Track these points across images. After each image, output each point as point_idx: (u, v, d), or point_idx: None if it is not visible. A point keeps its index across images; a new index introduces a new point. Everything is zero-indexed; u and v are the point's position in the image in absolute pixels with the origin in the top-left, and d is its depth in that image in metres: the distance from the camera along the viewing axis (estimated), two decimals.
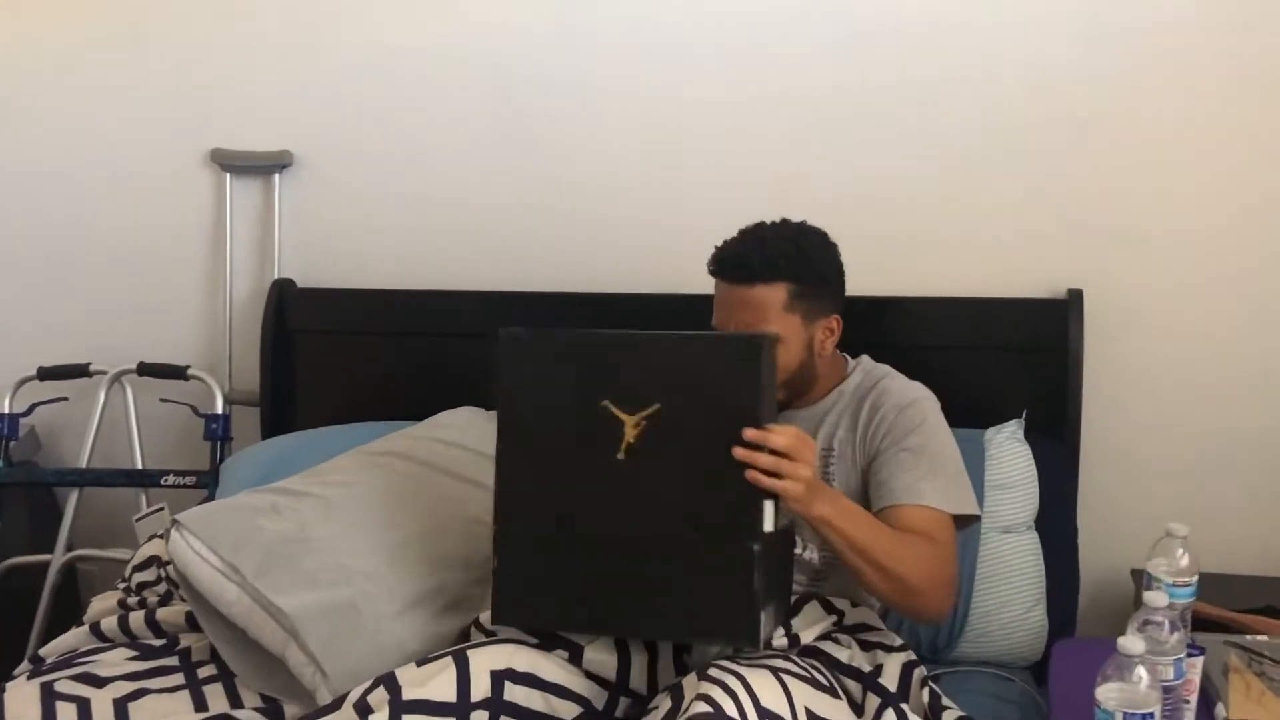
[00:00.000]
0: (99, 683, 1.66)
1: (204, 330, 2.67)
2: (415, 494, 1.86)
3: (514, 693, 1.45)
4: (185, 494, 2.52)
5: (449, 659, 1.48)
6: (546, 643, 1.51)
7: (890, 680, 1.61)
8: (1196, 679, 1.48)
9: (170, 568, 1.92)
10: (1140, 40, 2.16)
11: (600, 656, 1.51)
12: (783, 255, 1.74)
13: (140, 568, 2.04)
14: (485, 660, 1.48)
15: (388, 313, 2.50)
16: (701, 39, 2.34)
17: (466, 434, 2.05)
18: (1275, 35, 2.11)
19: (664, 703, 1.45)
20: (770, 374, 1.49)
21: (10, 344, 2.68)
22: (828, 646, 1.65)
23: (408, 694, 1.43)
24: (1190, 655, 1.49)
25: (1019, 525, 2.02)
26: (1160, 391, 2.22)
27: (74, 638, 1.85)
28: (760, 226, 1.80)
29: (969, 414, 1.99)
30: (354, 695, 1.47)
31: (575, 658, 1.51)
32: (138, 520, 2.50)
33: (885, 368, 1.88)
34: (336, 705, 1.47)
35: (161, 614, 1.86)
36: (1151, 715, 1.28)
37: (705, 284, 1.83)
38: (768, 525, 1.47)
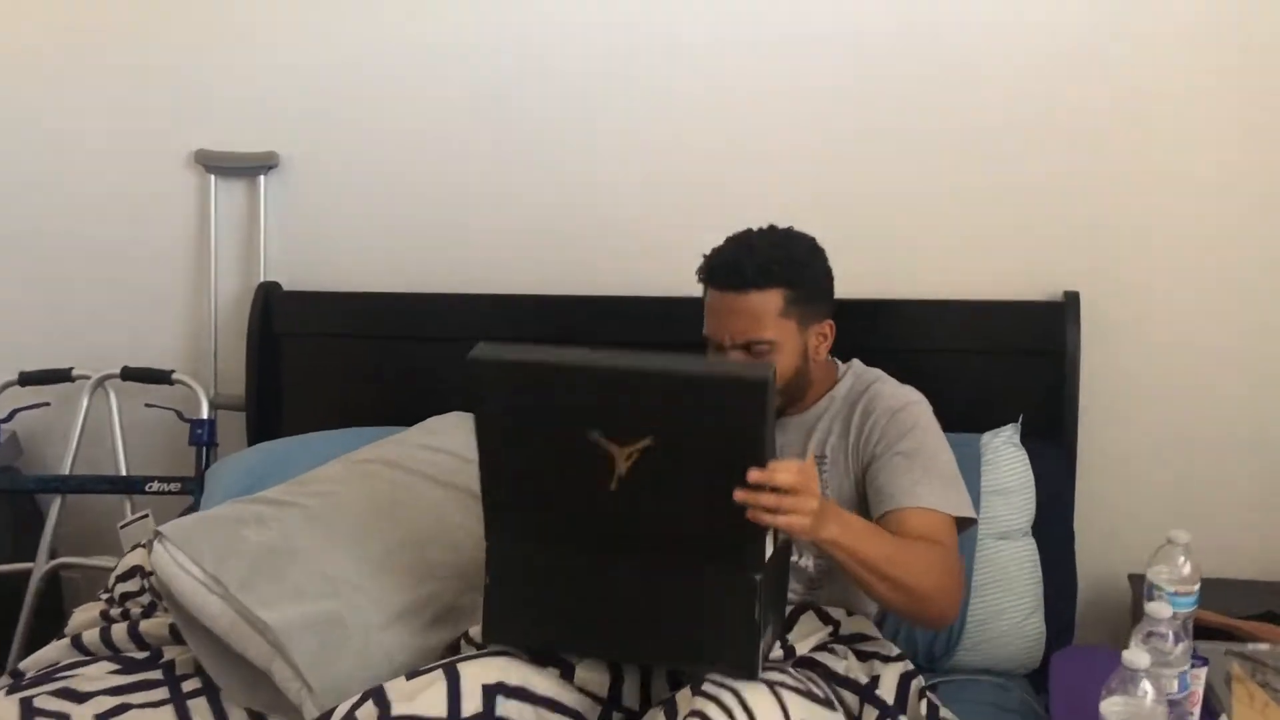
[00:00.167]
0: (80, 698, 1.63)
1: (189, 334, 2.63)
2: (402, 502, 1.82)
3: (506, 707, 1.43)
4: (170, 500, 2.48)
5: (439, 672, 1.45)
6: (538, 658, 1.48)
7: (888, 691, 1.59)
8: (1200, 690, 1.46)
9: (154, 578, 1.88)
10: (1139, 42, 2.14)
11: (592, 674, 1.48)
12: (776, 260, 1.71)
13: (124, 578, 2.00)
14: (476, 673, 1.45)
15: (375, 316, 2.46)
16: (696, 39, 2.30)
17: (455, 440, 2.01)
18: (1275, 37, 2.09)
19: (658, 718, 1.43)
20: (772, 409, 1.39)
21: None
22: (824, 657, 1.63)
23: (397, 709, 1.40)
24: (1195, 666, 1.47)
25: (1016, 531, 2.00)
26: (1158, 395, 2.20)
27: (55, 651, 1.82)
28: (749, 233, 1.77)
29: (965, 418, 1.97)
30: (342, 710, 1.44)
31: (567, 673, 1.48)
32: (122, 527, 2.46)
33: (876, 371, 1.86)
34: None
35: (145, 626, 1.82)
36: None
37: (700, 287, 1.80)
38: (769, 553, 1.43)
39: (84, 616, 1.92)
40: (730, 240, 1.77)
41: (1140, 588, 1.60)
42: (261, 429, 2.48)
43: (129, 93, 2.56)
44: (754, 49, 2.28)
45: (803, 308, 1.73)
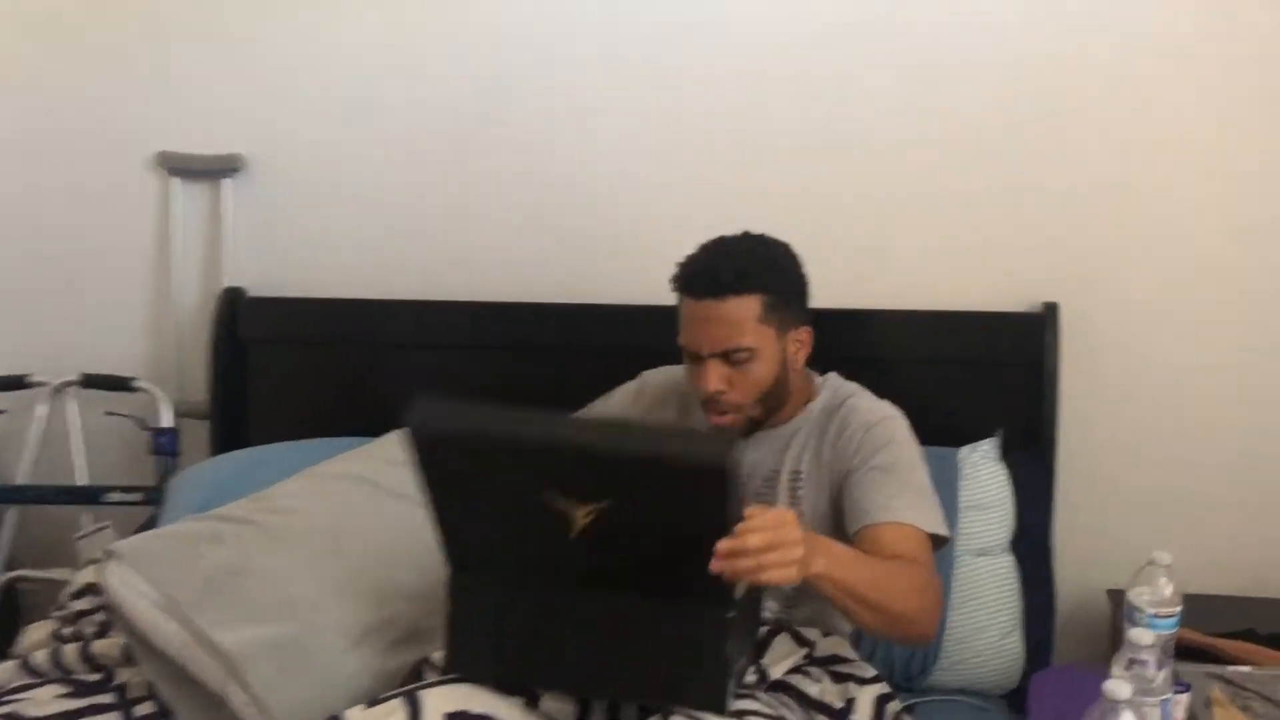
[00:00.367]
0: None
1: (151, 340, 2.57)
2: (366, 520, 1.77)
3: None
4: (131, 512, 2.42)
5: (400, 700, 1.40)
6: (503, 685, 1.43)
7: (863, 715, 1.56)
8: (1183, 718, 1.43)
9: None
10: (1120, 52, 2.11)
11: (559, 703, 1.44)
12: (753, 265, 1.67)
13: (77, 595, 1.94)
14: (438, 701, 1.39)
15: (343, 323, 2.41)
16: (675, 42, 2.26)
17: None
18: (1260, 48, 2.07)
19: None
20: (735, 489, 1.29)
21: None
22: (798, 681, 1.59)
23: None
24: (1177, 692, 1.44)
25: (994, 547, 1.96)
26: (1138, 408, 2.17)
27: (3, 672, 1.74)
28: (722, 240, 1.73)
29: (942, 431, 1.94)
30: None
31: (532, 702, 1.43)
32: (79, 539, 2.39)
33: (853, 385, 1.82)
34: None
35: (98, 646, 1.76)
36: None
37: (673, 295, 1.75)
38: (740, 590, 1.39)
39: (36, 636, 1.86)
40: (703, 248, 1.73)
41: (1119, 603, 1.57)
42: (226, 438, 2.43)
43: (88, 92, 2.50)
44: (733, 56, 2.24)
45: (781, 313, 1.69)
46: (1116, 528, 2.16)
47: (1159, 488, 2.17)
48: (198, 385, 2.49)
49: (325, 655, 1.58)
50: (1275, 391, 2.13)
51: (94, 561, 2.05)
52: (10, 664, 1.76)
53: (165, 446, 2.45)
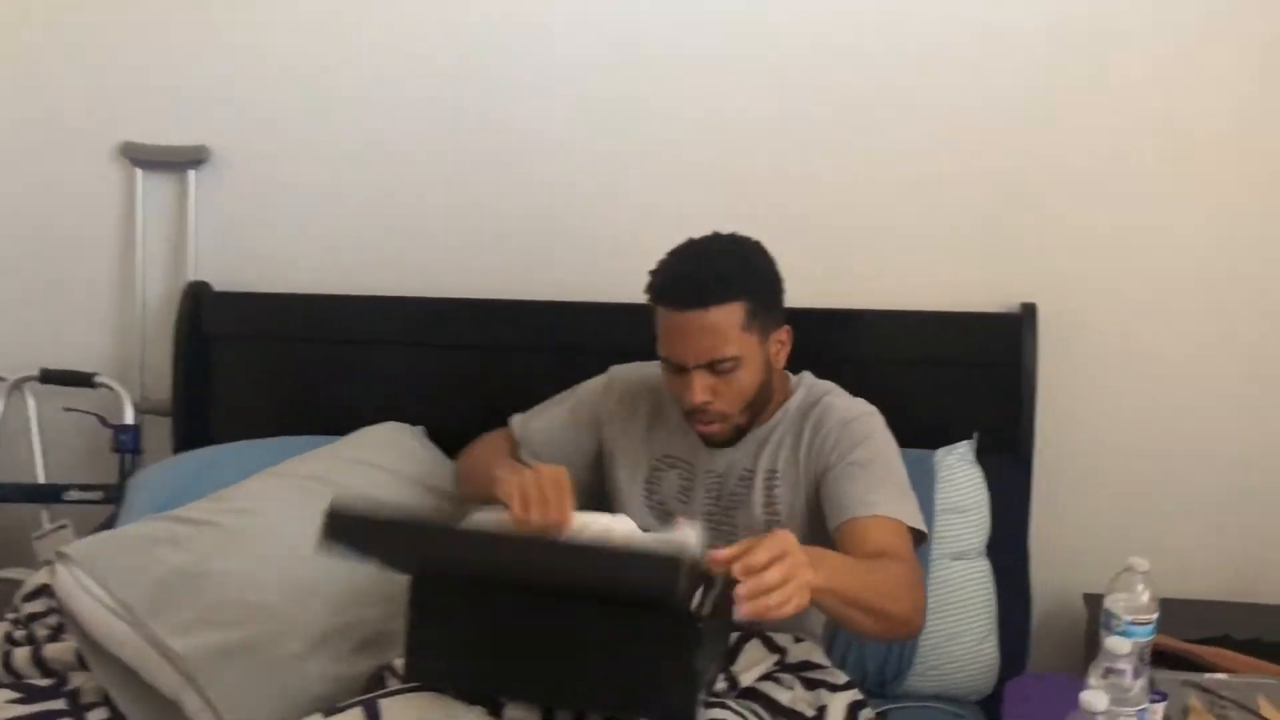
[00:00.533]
0: None
1: (113, 335, 2.51)
2: None
3: None
4: (91, 510, 2.37)
5: (360, 709, 1.37)
6: (465, 694, 1.39)
7: None
8: None
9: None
10: (1098, 49, 2.08)
11: (522, 713, 1.40)
12: (733, 271, 1.63)
13: (30, 597, 1.89)
14: (399, 710, 1.37)
15: (310, 319, 2.36)
16: (651, 38, 2.22)
17: (385, 454, 1.93)
18: (1237, 44, 2.05)
19: None
20: (688, 598, 1.29)
21: None
22: (768, 688, 1.56)
23: None
24: (1153, 701, 1.41)
25: (971, 551, 1.94)
26: (1116, 410, 2.15)
27: None
28: (696, 244, 1.69)
29: (918, 433, 1.90)
30: None
31: (495, 711, 1.39)
32: (37, 539, 2.33)
33: (827, 384, 1.79)
34: None
35: (50, 650, 1.71)
36: None
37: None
38: (707, 608, 1.35)
39: None
40: (677, 254, 1.68)
41: (1096, 608, 1.55)
42: (189, 436, 2.37)
43: (50, 81, 2.43)
44: (707, 54, 2.20)
45: (763, 317, 1.66)
46: (1094, 531, 2.14)
47: (1137, 491, 2.15)
48: (161, 382, 2.43)
49: (283, 661, 1.55)
50: (1256, 393, 2.11)
51: (50, 562, 2.00)
52: None
53: (127, 444, 2.40)
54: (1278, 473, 2.12)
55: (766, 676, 1.59)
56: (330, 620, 1.59)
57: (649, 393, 1.84)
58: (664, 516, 1.76)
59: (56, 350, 2.47)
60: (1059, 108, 2.10)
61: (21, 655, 1.71)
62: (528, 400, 1.97)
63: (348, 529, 1.32)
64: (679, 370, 1.66)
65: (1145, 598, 1.53)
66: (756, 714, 1.48)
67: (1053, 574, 2.09)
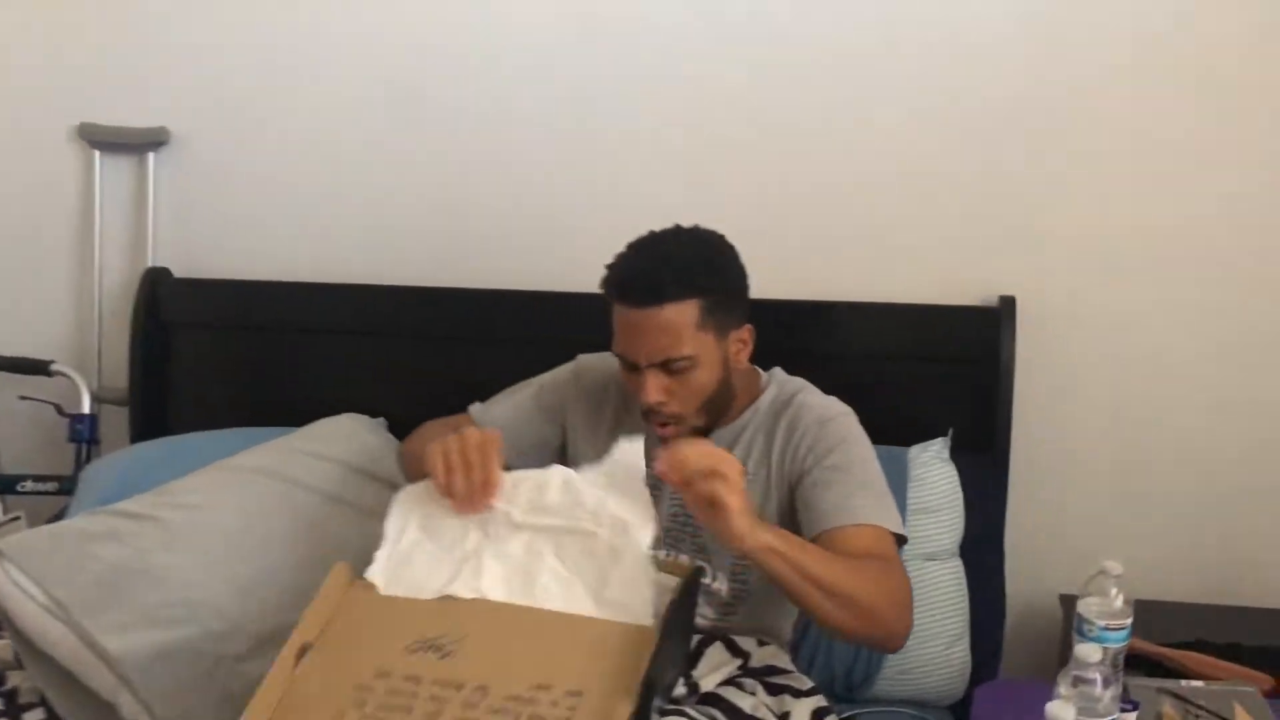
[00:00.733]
0: None
1: (71, 322, 2.45)
2: (276, 517, 1.68)
3: None
4: (45, 501, 2.32)
5: None
6: None
7: None
8: None
9: None
10: (1079, 41, 2.03)
11: None
12: (688, 268, 1.56)
13: None
14: None
15: (273, 307, 2.30)
16: (614, 21, 2.16)
17: (341, 446, 1.87)
18: (1217, 35, 1.99)
19: None
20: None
21: None
22: (729, 693, 1.51)
23: None
24: (1124, 710, 1.36)
25: (943, 552, 1.88)
26: (1096, 408, 2.10)
27: None
28: (654, 238, 1.62)
29: (891, 430, 1.86)
30: None
31: None
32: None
33: (799, 381, 1.73)
34: None
35: None
36: None
37: None
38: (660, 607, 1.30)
39: None
40: (633, 248, 1.61)
41: (1072, 610, 1.51)
42: (146, 426, 2.32)
43: (6, 60, 2.37)
44: (675, 36, 2.15)
45: (720, 316, 1.59)
46: (1071, 531, 2.09)
47: (1115, 490, 2.10)
48: (119, 370, 2.37)
49: (224, 662, 1.50)
50: (1237, 392, 2.06)
51: None
52: None
53: (83, 434, 2.34)
54: (1261, 472, 2.07)
55: (728, 681, 1.55)
56: (274, 620, 1.53)
57: (617, 386, 1.78)
58: None
59: (13, 337, 2.42)
60: (1040, 97, 2.05)
61: None
62: (496, 391, 1.92)
63: None
64: (633, 368, 1.60)
65: (1119, 602, 1.48)
66: None
67: (1028, 575, 2.04)
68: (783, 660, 1.62)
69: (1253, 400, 2.06)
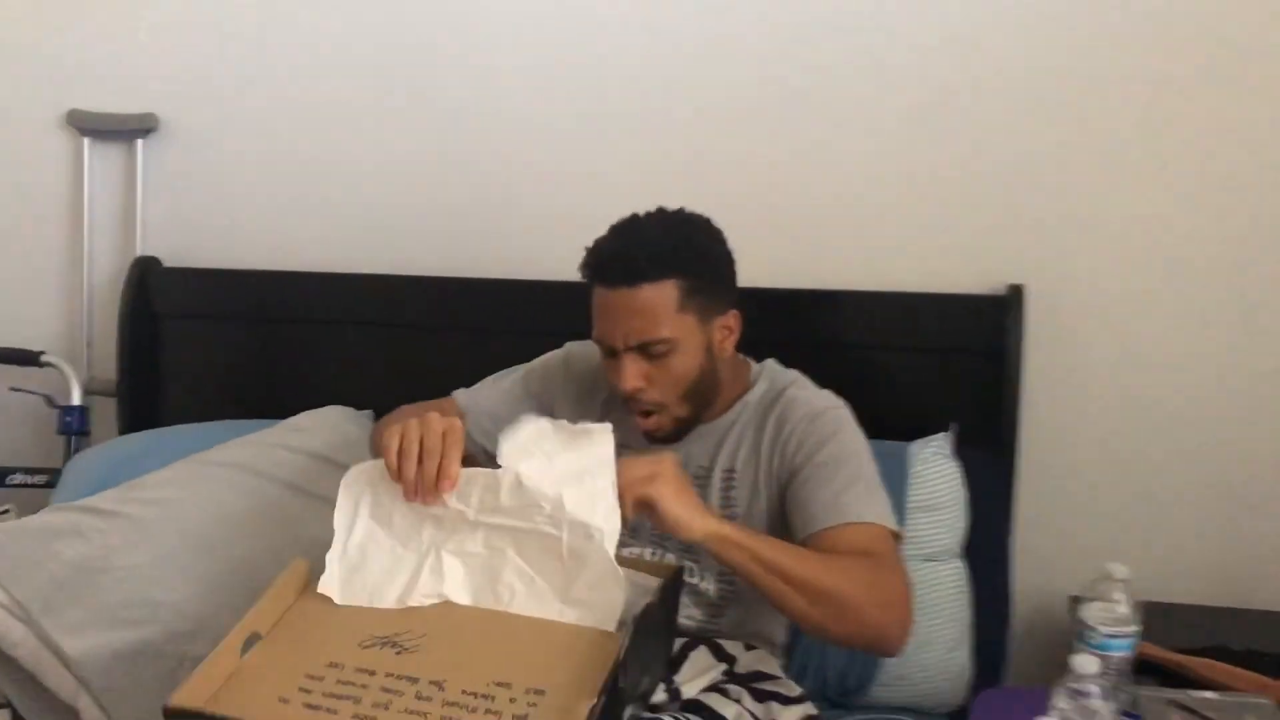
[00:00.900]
0: None
1: (62, 313, 2.42)
2: (247, 513, 1.63)
3: None
4: (35, 494, 2.28)
5: None
6: None
7: None
8: None
9: None
10: (1094, 20, 1.93)
11: None
12: (669, 248, 1.50)
13: None
14: None
15: (264, 297, 2.27)
16: (607, 6, 2.09)
17: (320, 439, 1.82)
18: (1234, 26, 1.89)
19: None
20: None
21: None
22: (713, 700, 1.44)
23: None
24: None
25: (944, 553, 1.80)
26: (1108, 401, 2.00)
27: None
28: (635, 220, 1.56)
29: (892, 424, 1.79)
30: None
31: None
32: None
33: (792, 374, 1.65)
34: None
35: None
36: None
37: None
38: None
39: None
40: (614, 229, 1.55)
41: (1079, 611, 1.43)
42: (136, 418, 2.29)
43: None
44: (673, 20, 2.07)
45: (702, 299, 1.52)
46: (1081, 530, 2.00)
47: (1129, 487, 2.00)
48: (110, 361, 2.33)
49: (187, 664, 1.44)
50: (1256, 384, 1.96)
51: None
52: None
53: (73, 425, 2.31)
54: None
55: (712, 688, 1.48)
56: (239, 619, 1.47)
57: (607, 379, 1.71)
58: None
59: (4, 327, 2.39)
60: (1050, 73, 1.96)
61: None
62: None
63: None
64: (611, 353, 1.54)
65: (1123, 608, 1.41)
66: None
67: (1036, 577, 1.96)
68: (770, 665, 1.55)
69: (1275, 395, 1.96)
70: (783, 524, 1.54)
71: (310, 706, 1.14)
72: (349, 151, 2.25)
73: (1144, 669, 1.54)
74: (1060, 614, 1.95)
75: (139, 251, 2.32)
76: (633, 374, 1.51)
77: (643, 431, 1.57)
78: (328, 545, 1.33)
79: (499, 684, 1.16)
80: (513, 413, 1.71)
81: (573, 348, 1.78)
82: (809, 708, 1.49)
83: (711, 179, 2.05)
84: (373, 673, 1.18)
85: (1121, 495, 2.01)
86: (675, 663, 1.49)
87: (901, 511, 1.73)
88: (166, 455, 1.92)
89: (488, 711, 1.13)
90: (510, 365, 1.85)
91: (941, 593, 1.77)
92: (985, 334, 1.92)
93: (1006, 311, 1.92)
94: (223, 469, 1.73)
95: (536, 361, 1.79)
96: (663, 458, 1.36)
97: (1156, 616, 1.57)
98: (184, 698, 1.13)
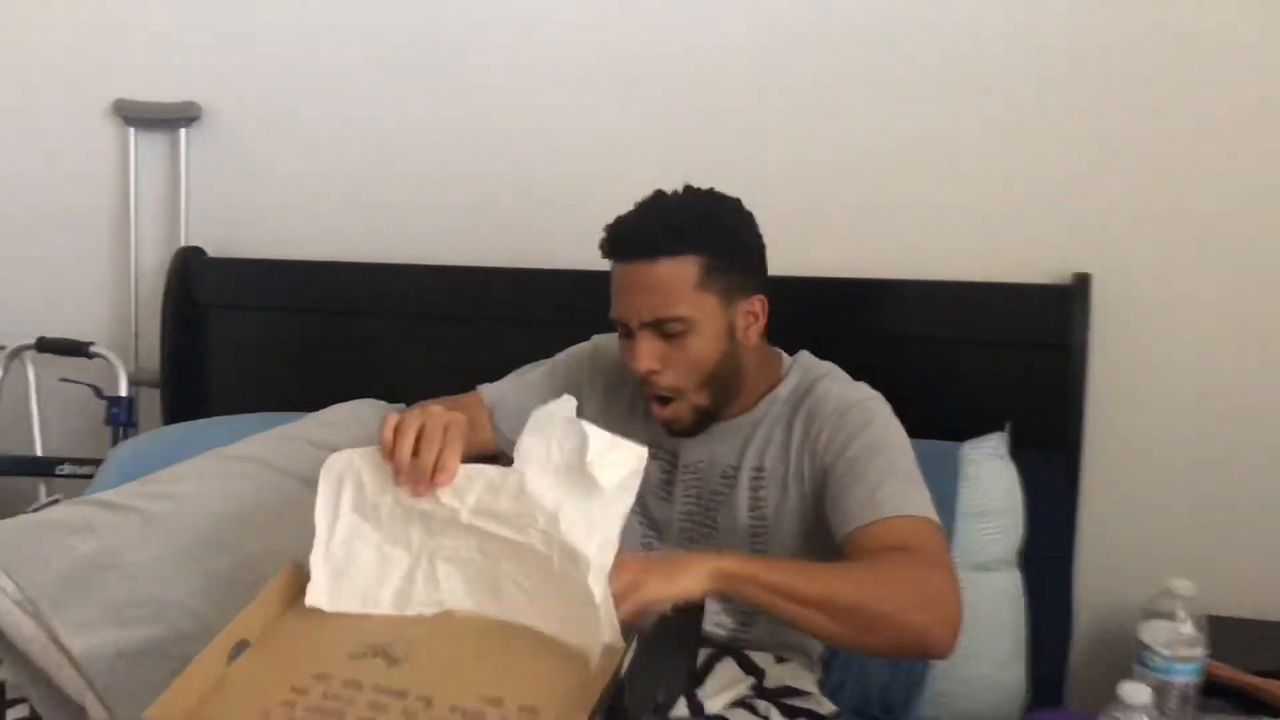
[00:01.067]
0: None
1: (110, 303, 2.43)
2: (261, 509, 1.58)
3: None
4: (84, 485, 2.25)
5: None
6: None
7: None
8: None
9: None
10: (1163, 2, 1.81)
11: None
12: (689, 222, 1.42)
13: None
14: None
15: (308, 287, 2.24)
16: None
17: (346, 434, 1.76)
18: None
19: None
20: None
21: None
22: (738, 716, 1.37)
23: None
24: None
25: (998, 561, 1.69)
26: (1179, 400, 1.88)
27: None
28: (659, 195, 1.48)
29: (945, 422, 1.70)
30: None
31: None
32: (30, 513, 2.26)
33: (825, 366, 1.55)
34: None
35: None
36: None
37: None
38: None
39: None
40: (637, 205, 1.48)
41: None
42: (182, 409, 2.28)
43: (41, 36, 2.35)
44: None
45: (725, 278, 1.43)
46: (1151, 538, 1.88)
47: (1200, 492, 1.87)
48: (156, 352, 2.33)
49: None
50: None
51: None
52: None
53: (119, 416, 2.32)
54: None
55: (739, 703, 1.40)
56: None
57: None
58: (641, 511, 1.56)
59: (56, 318, 2.41)
60: (1117, 57, 1.84)
61: None
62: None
63: None
64: (627, 333, 1.46)
65: (1187, 628, 1.29)
66: None
67: (1102, 589, 1.84)
68: (803, 680, 1.46)
69: None
70: (816, 525, 1.45)
71: None
72: (393, 139, 2.22)
73: (1214, 691, 1.41)
74: (1127, 630, 1.81)
75: (183, 242, 2.32)
76: (647, 353, 1.43)
77: (660, 422, 1.49)
78: None
79: (490, 700, 1.09)
80: (539, 404, 1.65)
81: (600, 340, 1.71)
82: None
83: (756, 164, 1.96)
84: (360, 686, 1.12)
85: (1192, 500, 1.88)
86: (700, 675, 1.41)
87: (951, 516, 1.63)
88: (204, 447, 1.87)
89: None
90: (555, 353, 1.79)
91: (993, 604, 1.66)
92: (1048, 326, 1.82)
93: (1071, 302, 1.81)
94: (241, 463, 1.69)
95: (562, 355, 1.72)
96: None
97: (1227, 633, 1.44)
98: (161, 711, 1.09)
